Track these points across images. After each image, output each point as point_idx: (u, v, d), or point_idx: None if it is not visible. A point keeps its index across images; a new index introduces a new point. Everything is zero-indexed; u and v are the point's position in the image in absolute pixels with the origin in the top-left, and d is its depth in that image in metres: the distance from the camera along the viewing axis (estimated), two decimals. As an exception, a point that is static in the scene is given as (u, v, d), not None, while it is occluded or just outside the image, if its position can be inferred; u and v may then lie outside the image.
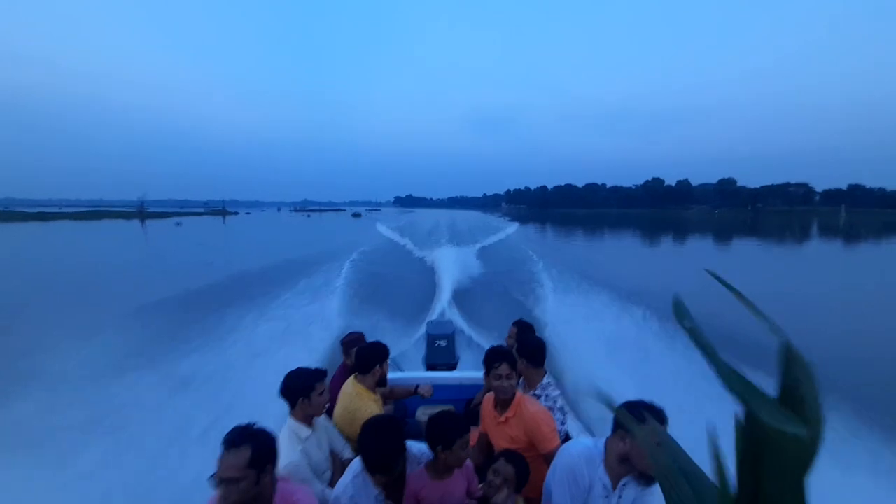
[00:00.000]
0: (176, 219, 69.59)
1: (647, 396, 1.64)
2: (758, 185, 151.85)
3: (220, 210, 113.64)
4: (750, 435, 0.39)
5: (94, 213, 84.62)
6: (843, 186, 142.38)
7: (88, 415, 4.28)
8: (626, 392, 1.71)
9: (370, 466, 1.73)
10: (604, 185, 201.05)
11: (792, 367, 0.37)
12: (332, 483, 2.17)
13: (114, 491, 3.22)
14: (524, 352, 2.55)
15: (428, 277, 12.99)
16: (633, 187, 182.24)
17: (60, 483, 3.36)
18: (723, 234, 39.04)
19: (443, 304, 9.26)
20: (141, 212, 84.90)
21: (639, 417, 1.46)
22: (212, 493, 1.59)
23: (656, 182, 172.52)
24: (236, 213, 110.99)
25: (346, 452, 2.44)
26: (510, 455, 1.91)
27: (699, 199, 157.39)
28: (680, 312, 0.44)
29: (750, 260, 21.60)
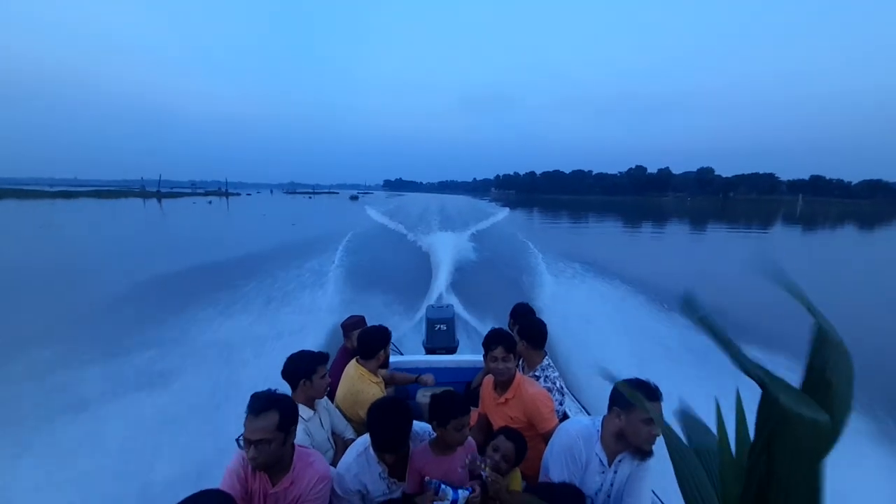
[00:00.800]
0: (209, 198, 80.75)
1: (644, 375, 1.69)
2: (731, 175, 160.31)
3: (223, 192, 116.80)
4: (766, 415, 0.39)
5: (111, 192, 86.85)
6: (806, 177, 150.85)
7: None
8: (623, 371, 1.71)
9: (378, 446, 1.79)
10: (590, 171, 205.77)
11: (824, 349, 0.37)
12: (333, 462, 2.24)
13: (122, 462, 3.34)
14: (525, 333, 2.59)
15: (423, 262, 13.13)
16: (618, 174, 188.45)
17: (86, 442, 3.54)
18: (686, 220, 43.35)
19: (440, 288, 9.38)
20: (158, 192, 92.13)
21: (643, 394, 1.56)
22: (229, 457, 1.69)
23: (639, 170, 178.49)
24: (238, 195, 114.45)
25: (348, 433, 2.49)
26: (509, 432, 1.99)
27: (679, 187, 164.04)
28: (689, 306, 0.44)
29: (693, 242, 25.00)
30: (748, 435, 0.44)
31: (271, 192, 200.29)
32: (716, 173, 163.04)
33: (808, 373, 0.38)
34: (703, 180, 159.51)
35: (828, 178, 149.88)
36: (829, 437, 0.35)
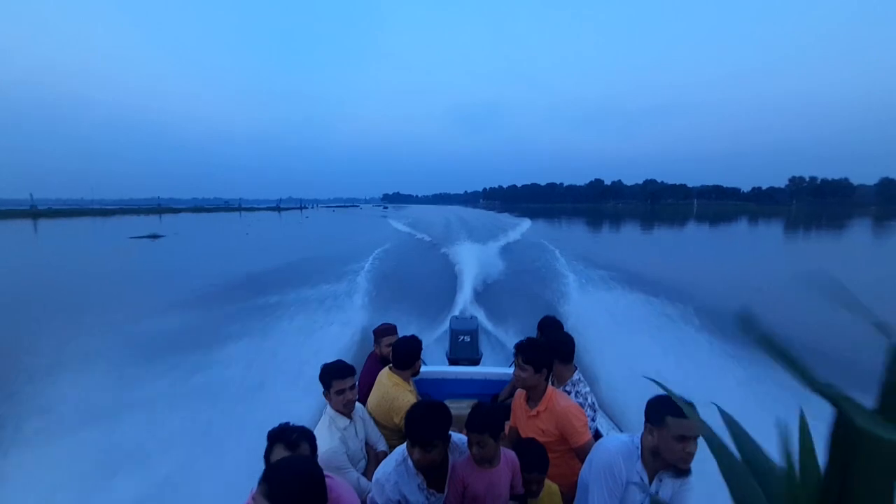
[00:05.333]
0: (331, 206, 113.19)
1: (685, 390, 1.49)
2: (670, 183, 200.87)
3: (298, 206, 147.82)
4: (841, 435, 0.38)
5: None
6: (710, 185, 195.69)
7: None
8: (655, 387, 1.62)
9: (411, 439, 1.71)
10: (561, 183, 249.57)
11: None
12: (367, 473, 2.22)
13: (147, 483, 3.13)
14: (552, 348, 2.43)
15: (449, 273, 12.85)
16: (583, 185, 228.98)
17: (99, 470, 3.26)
18: (614, 218, 56.67)
19: (465, 299, 9.13)
20: (278, 206, 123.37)
21: (673, 411, 1.53)
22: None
23: (598, 182, 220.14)
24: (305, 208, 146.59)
25: (381, 445, 2.44)
26: (522, 446, 2.00)
27: (627, 196, 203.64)
28: (747, 325, 0.41)
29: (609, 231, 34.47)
30: (815, 455, 0.43)
31: (302, 209, 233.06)
32: (660, 182, 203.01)
33: (884, 393, 0.36)
34: (646, 190, 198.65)
35: (725, 186, 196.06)
36: None
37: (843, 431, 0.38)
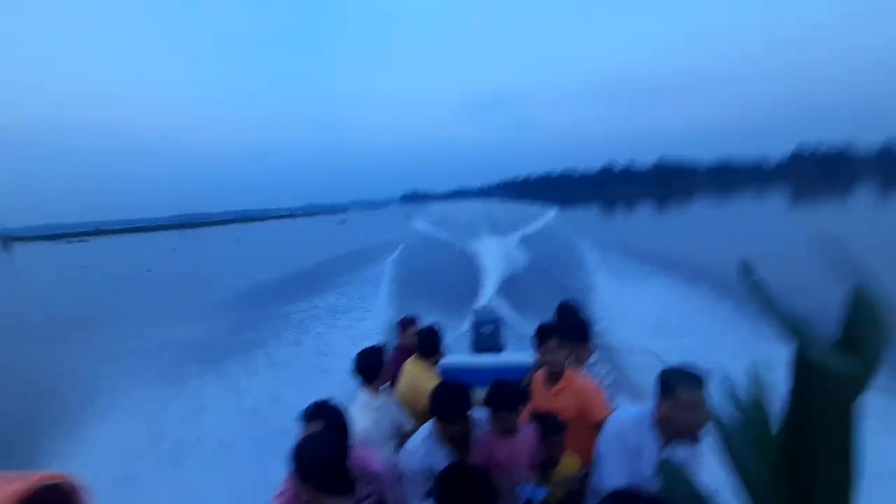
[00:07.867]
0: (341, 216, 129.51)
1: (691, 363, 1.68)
2: (675, 165, 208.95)
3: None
4: (800, 370, 0.43)
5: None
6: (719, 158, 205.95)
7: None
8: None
9: (438, 414, 1.86)
10: (574, 170, 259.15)
11: (858, 307, 0.40)
12: (395, 450, 2.39)
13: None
14: (569, 331, 2.57)
15: (472, 267, 13.36)
16: (595, 172, 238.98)
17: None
18: (617, 204, 62.41)
19: (489, 292, 9.42)
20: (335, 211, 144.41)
21: (683, 382, 1.57)
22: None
23: (609, 167, 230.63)
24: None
25: (407, 425, 2.61)
26: (542, 414, 2.07)
27: (638, 179, 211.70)
28: (745, 272, 0.50)
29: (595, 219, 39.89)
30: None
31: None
32: (673, 158, 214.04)
33: (842, 328, 0.41)
34: (659, 168, 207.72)
35: (732, 160, 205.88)
36: (856, 386, 0.38)
37: (800, 365, 0.42)
